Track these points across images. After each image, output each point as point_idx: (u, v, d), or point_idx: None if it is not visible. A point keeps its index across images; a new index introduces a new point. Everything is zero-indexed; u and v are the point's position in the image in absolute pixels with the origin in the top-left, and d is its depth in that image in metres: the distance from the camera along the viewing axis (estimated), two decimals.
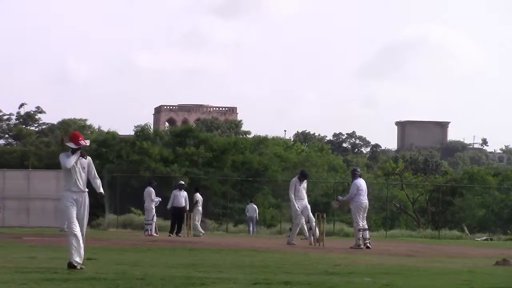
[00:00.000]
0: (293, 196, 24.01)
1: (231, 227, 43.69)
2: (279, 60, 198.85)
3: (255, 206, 42.01)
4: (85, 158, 13.01)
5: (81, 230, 12.76)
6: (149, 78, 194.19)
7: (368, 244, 22.56)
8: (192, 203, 32.06)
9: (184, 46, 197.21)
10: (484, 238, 41.04)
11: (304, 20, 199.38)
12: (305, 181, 24.62)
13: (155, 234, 30.53)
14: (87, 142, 13.07)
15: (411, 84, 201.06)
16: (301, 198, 24.12)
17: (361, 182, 23.25)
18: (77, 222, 12.78)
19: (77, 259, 12.51)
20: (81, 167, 13.00)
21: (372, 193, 48.03)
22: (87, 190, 12.97)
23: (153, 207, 30.69)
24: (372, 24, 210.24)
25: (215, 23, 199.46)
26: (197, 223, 32.08)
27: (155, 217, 31.16)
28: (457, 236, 42.13)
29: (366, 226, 23.24)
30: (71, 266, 12.42)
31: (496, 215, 49.20)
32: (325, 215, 24.44)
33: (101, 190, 13.20)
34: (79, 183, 12.90)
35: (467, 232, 44.22)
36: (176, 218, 31.57)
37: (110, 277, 10.94)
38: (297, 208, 23.91)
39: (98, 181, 13.21)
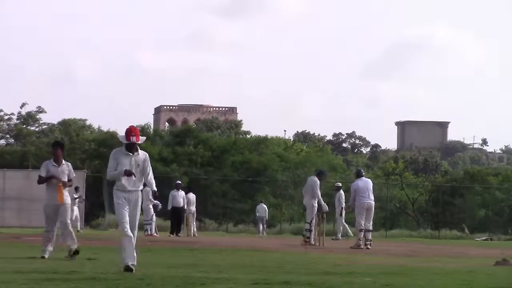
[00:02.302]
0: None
1: (231, 227, 43.68)
2: (280, 60, 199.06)
3: (265, 206, 42.13)
4: (136, 154, 12.00)
5: (132, 231, 11.98)
6: (149, 78, 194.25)
7: (369, 246, 22.47)
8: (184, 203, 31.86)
9: (184, 46, 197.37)
10: (484, 238, 41.04)
11: (306, 20, 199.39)
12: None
13: (155, 234, 30.52)
14: (140, 140, 12.03)
15: (411, 84, 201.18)
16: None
17: (360, 183, 23.07)
18: (128, 223, 11.97)
19: (131, 261, 11.86)
20: (135, 164, 12.02)
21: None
22: (140, 188, 12.08)
23: (151, 207, 30.66)
24: (373, 25, 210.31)
25: (217, 24, 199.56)
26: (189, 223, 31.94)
27: (154, 217, 31.14)
28: (457, 236, 42.13)
29: (370, 228, 23.04)
30: (128, 269, 11.75)
31: (496, 215, 49.20)
32: (325, 215, 24.42)
33: (154, 188, 12.32)
34: (131, 180, 11.92)
35: (467, 232, 44.22)
36: (175, 218, 31.53)
37: (110, 277, 10.93)
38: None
39: (152, 180, 12.25)
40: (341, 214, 31.20)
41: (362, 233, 22.74)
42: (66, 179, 15.00)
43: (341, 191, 31.28)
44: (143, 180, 12.20)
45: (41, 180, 15.18)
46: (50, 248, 15.17)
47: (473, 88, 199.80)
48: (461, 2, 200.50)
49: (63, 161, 15.17)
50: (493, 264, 15.90)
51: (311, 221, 23.70)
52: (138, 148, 12.10)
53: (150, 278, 10.90)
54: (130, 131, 11.91)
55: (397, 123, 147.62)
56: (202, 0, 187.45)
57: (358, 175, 23.58)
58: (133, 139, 11.93)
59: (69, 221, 15.07)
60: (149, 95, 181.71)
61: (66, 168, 15.06)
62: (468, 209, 49.66)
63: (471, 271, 13.68)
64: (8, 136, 75.86)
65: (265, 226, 41.56)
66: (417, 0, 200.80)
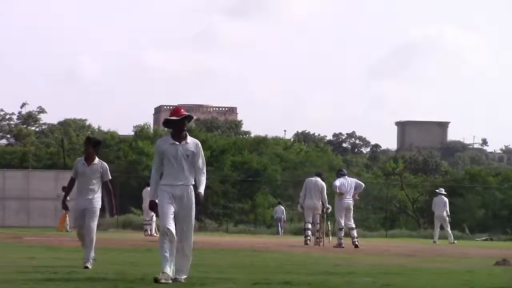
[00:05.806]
0: None
1: (231, 227, 43.69)
2: (281, 60, 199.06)
3: (283, 207, 42.25)
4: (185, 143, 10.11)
5: (182, 233, 10.17)
6: (149, 78, 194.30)
7: (357, 243, 22.82)
8: None
9: (185, 46, 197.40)
10: (484, 238, 41.02)
11: (307, 21, 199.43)
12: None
13: (155, 234, 30.51)
14: (182, 116, 10.09)
15: (411, 84, 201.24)
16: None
17: (341, 182, 23.36)
18: (172, 223, 10.00)
19: (168, 270, 10.07)
20: (183, 154, 10.10)
21: (372, 193, 48.01)
22: (192, 182, 10.05)
23: None
24: (375, 26, 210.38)
25: (218, 24, 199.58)
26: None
27: (154, 217, 31.12)
28: (457, 236, 42.11)
29: (353, 225, 23.43)
30: (156, 281, 10.02)
31: (496, 215, 49.20)
32: (325, 215, 24.48)
33: (201, 191, 10.06)
34: (179, 174, 9.98)
35: (467, 232, 44.20)
36: None
37: (110, 277, 10.94)
38: None
39: (203, 178, 10.13)
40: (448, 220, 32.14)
41: (342, 232, 23.08)
42: (97, 180, 13.03)
43: (445, 197, 32.45)
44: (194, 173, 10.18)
45: (69, 184, 13.24)
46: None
47: (473, 88, 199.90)
48: (462, 3, 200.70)
49: (96, 159, 12.93)
50: (493, 264, 15.90)
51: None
52: (187, 135, 10.15)
53: (150, 278, 10.90)
54: (173, 111, 10.22)
55: (397, 123, 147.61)
56: (203, 0, 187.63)
57: (340, 174, 23.95)
58: (174, 117, 10.08)
59: (92, 226, 13.03)
60: (149, 95, 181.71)
61: (97, 169, 12.91)
62: (468, 209, 49.60)
63: (471, 271, 13.69)
64: (8, 136, 75.94)
65: (283, 226, 41.72)
66: (419, 1, 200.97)
